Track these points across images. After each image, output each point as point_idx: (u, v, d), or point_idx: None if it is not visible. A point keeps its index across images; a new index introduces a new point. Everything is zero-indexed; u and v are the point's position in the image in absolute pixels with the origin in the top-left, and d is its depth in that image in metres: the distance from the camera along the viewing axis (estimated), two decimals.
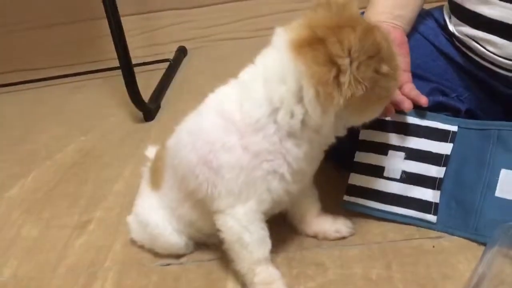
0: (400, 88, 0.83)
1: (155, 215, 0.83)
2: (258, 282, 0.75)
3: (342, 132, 0.74)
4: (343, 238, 0.84)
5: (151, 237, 0.85)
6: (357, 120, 0.73)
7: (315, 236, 0.86)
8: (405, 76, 0.85)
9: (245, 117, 0.70)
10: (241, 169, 0.71)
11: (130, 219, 0.88)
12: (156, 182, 0.84)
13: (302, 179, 0.76)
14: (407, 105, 0.79)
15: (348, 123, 0.73)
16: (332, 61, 0.63)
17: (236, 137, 0.71)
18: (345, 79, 0.64)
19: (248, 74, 0.73)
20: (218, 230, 0.76)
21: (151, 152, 0.92)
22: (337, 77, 0.64)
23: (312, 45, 0.65)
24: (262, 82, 0.70)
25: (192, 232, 0.84)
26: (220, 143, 0.71)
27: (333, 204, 0.88)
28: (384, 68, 0.66)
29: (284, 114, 0.68)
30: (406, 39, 0.88)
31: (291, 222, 0.87)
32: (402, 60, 0.84)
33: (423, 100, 0.80)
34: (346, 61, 0.63)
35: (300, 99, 0.67)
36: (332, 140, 0.74)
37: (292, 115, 0.68)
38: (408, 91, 0.82)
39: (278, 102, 0.68)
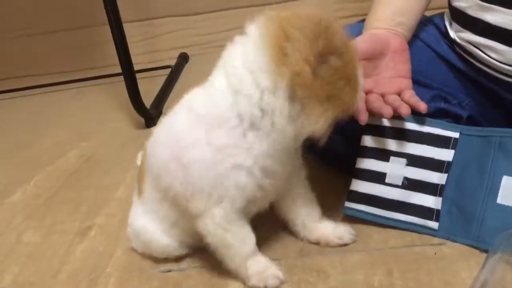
0: (400, 94, 0.83)
1: (143, 221, 0.84)
2: (252, 274, 0.77)
3: (300, 138, 0.73)
4: (345, 245, 0.84)
5: (145, 243, 0.86)
6: (309, 123, 0.69)
7: (317, 243, 0.86)
8: (405, 83, 0.85)
9: (210, 112, 0.72)
10: (207, 165, 0.71)
11: (128, 229, 0.89)
12: (140, 187, 0.86)
13: (274, 178, 0.75)
14: (404, 110, 0.79)
15: (304, 128, 0.70)
16: (285, 37, 0.65)
17: (202, 133, 0.71)
18: (291, 52, 0.64)
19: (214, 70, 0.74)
20: (202, 235, 0.77)
21: (140, 159, 0.92)
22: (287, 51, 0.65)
23: (268, 27, 0.67)
24: (223, 73, 0.71)
25: (179, 234, 0.84)
26: (189, 139, 0.72)
27: (336, 210, 0.89)
28: (332, 60, 0.65)
29: (244, 99, 0.69)
30: (407, 46, 0.88)
31: (293, 229, 0.87)
32: (402, 67, 0.85)
33: (422, 107, 0.80)
34: (296, 33, 0.64)
35: (258, 83, 0.68)
36: (292, 142, 0.73)
37: (250, 99, 0.68)
38: (407, 98, 0.82)
39: (238, 85, 0.69)
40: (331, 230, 0.85)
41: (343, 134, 0.94)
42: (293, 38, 0.64)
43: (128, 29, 1.56)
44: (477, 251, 0.78)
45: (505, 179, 0.78)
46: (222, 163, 0.71)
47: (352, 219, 0.88)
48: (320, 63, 0.65)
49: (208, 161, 0.71)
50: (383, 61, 0.85)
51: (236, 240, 0.77)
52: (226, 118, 0.70)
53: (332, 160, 1.03)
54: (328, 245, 0.85)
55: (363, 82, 0.75)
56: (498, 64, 0.84)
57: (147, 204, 0.84)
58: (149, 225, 0.84)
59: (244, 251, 0.77)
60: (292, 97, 0.67)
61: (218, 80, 0.72)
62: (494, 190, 0.78)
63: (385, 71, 0.85)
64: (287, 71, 0.64)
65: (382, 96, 0.84)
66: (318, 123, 0.68)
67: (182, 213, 0.79)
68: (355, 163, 0.89)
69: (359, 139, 0.89)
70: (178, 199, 0.76)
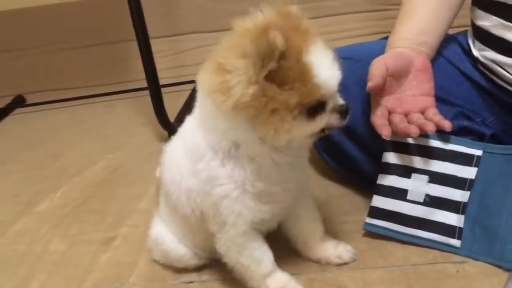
0: (423, 112, 0.83)
1: (161, 232, 0.87)
2: None
3: (269, 151, 0.70)
4: (345, 263, 0.84)
5: (163, 253, 0.88)
6: (266, 135, 0.67)
7: (318, 262, 0.86)
8: (429, 101, 0.85)
9: (191, 144, 0.74)
10: (201, 194, 0.73)
11: (148, 240, 0.91)
12: (156, 201, 0.88)
13: (274, 199, 0.75)
14: (430, 127, 0.79)
15: (277, 142, 0.69)
16: (221, 68, 0.64)
17: (189, 164, 0.74)
18: (233, 80, 0.63)
19: None
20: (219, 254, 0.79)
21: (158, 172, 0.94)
22: (227, 81, 0.64)
23: (208, 62, 0.67)
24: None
25: (190, 246, 0.86)
26: (183, 168, 0.75)
27: (357, 226, 0.89)
28: (271, 65, 0.62)
29: (212, 133, 0.70)
30: (430, 64, 0.88)
31: (294, 246, 0.86)
32: (425, 86, 0.85)
33: (447, 125, 0.80)
34: (236, 62, 0.63)
35: (216, 126, 0.69)
36: (275, 159, 0.71)
37: (216, 134, 0.70)
38: (431, 116, 0.82)
39: (204, 124, 0.71)
40: (332, 250, 0.85)
41: (367, 152, 0.95)
42: (232, 69, 0.63)
43: (156, 44, 1.59)
44: (499, 270, 0.77)
45: None
46: (213, 193, 0.72)
47: (373, 235, 0.88)
48: (266, 80, 0.63)
49: (201, 191, 0.73)
50: (407, 79, 0.86)
51: (252, 261, 0.77)
52: (202, 150, 0.72)
53: (354, 176, 1.03)
54: (328, 264, 0.85)
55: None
56: None
57: (162, 216, 0.87)
58: (167, 236, 0.86)
59: (261, 270, 0.77)
60: (250, 121, 0.66)
61: (195, 113, 0.75)
62: None
63: (408, 89, 0.86)
64: (230, 103, 0.64)
65: (406, 114, 0.84)
66: (282, 133, 0.66)
67: (190, 228, 0.81)
68: (376, 179, 0.89)
69: (380, 156, 0.89)
70: (187, 217, 0.78)
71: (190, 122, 0.77)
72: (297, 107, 0.64)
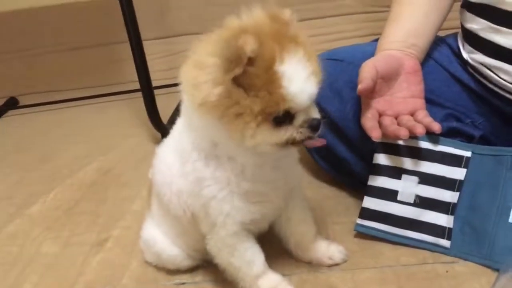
0: (413, 114, 0.84)
1: (153, 233, 0.87)
2: None
3: (262, 153, 0.69)
4: (336, 264, 0.85)
5: (156, 255, 0.88)
6: (232, 137, 0.66)
7: (309, 262, 0.86)
8: (419, 103, 0.86)
9: (179, 146, 0.75)
10: (191, 195, 0.74)
11: (140, 242, 0.91)
12: (148, 202, 0.88)
13: (263, 200, 0.75)
14: (420, 129, 0.80)
15: (252, 143, 0.67)
16: (195, 64, 0.64)
17: (178, 166, 0.74)
18: (203, 77, 0.63)
19: None
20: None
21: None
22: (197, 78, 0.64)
23: (188, 59, 0.67)
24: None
25: (182, 247, 0.86)
26: (173, 169, 0.75)
27: (348, 227, 0.90)
28: (236, 70, 0.61)
29: (195, 133, 0.71)
30: (419, 66, 0.89)
31: (286, 246, 0.86)
32: (415, 88, 0.86)
33: (436, 127, 0.81)
34: (208, 60, 0.62)
35: (191, 123, 0.71)
36: (256, 160, 0.71)
37: (198, 134, 0.71)
38: (421, 118, 0.83)
39: (188, 124, 0.72)
40: (323, 251, 0.85)
41: (358, 154, 0.96)
42: (203, 66, 0.63)
43: (149, 46, 1.60)
44: (488, 270, 0.78)
45: None
46: (201, 195, 0.72)
47: (364, 236, 0.89)
48: (233, 83, 0.62)
49: (191, 192, 0.74)
50: (397, 81, 0.87)
51: (243, 262, 0.77)
52: (188, 151, 0.72)
53: (346, 178, 1.04)
54: (320, 265, 0.85)
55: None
56: (509, 85, 0.84)
57: (154, 218, 0.87)
58: (159, 237, 0.86)
59: (252, 271, 0.78)
60: (219, 122, 0.65)
61: (181, 115, 0.75)
62: (506, 209, 0.79)
63: (398, 92, 0.87)
64: (197, 100, 0.64)
65: (396, 116, 0.85)
66: (247, 138, 0.65)
67: (182, 230, 0.82)
68: (367, 181, 0.90)
69: (371, 157, 0.90)
70: (180, 218, 0.78)
71: (179, 123, 0.78)
72: (261, 114, 0.63)
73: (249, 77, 0.62)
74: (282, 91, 0.62)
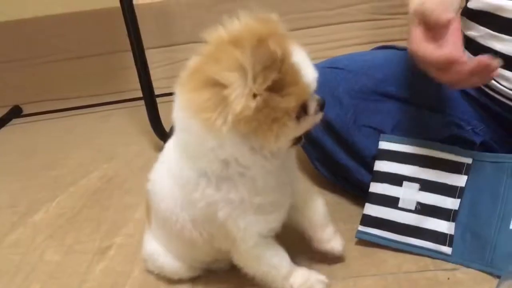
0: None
1: (155, 246, 0.87)
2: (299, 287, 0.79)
3: (268, 156, 0.69)
4: (332, 254, 0.85)
5: (159, 267, 0.88)
6: (267, 144, 0.66)
7: (309, 240, 0.84)
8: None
9: (180, 175, 0.72)
10: (204, 220, 0.73)
11: (143, 252, 0.91)
12: (148, 218, 0.88)
13: (277, 208, 0.75)
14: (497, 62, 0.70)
15: (269, 148, 0.68)
16: (212, 83, 0.62)
17: (183, 195, 0.73)
18: (231, 94, 0.61)
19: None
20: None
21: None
22: (221, 96, 0.62)
23: (191, 78, 0.65)
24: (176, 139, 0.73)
25: (190, 262, 0.86)
26: (177, 199, 0.74)
27: (350, 234, 0.90)
28: (273, 76, 0.61)
29: (200, 160, 0.68)
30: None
31: (299, 229, 0.84)
32: (459, 46, 0.75)
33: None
34: (232, 76, 0.61)
35: (204, 146, 0.67)
36: (270, 166, 0.70)
37: (205, 159, 0.67)
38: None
39: (190, 152, 0.69)
40: (326, 236, 0.83)
41: (359, 161, 0.96)
42: (225, 84, 0.61)
43: (152, 55, 1.61)
44: (490, 277, 0.78)
45: None
46: (215, 218, 0.72)
47: (366, 243, 0.89)
48: (266, 91, 0.62)
49: (204, 218, 0.73)
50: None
51: (270, 267, 0.77)
52: (194, 180, 0.70)
53: (347, 185, 1.04)
54: (317, 247, 0.84)
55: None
56: (508, 91, 0.85)
57: (157, 238, 0.87)
58: (162, 251, 0.86)
59: (281, 273, 0.78)
60: (243, 135, 0.64)
61: (174, 141, 0.73)
62: (507, 216, 0.79)
63: (445, 46, 0.75)
64: (229, 119, 0.62)
65: None
66: (278, 140, 0.66)
67: (192, 248, 0.81)
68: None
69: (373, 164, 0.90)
70: (195, 239, 0.77)
71: (172, 152, 0.75)
72: (294, 110, 0.65)
73: (281, 78, 0.62)
74: (303, 79, 0.65)
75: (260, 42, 0.61)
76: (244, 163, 0.68)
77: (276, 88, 0.62)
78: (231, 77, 0.61)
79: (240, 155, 0.67)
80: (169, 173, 0.76)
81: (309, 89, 0.66)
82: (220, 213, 0.71)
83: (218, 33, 0.66)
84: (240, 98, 0.61)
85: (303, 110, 0.67)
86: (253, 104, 0.61)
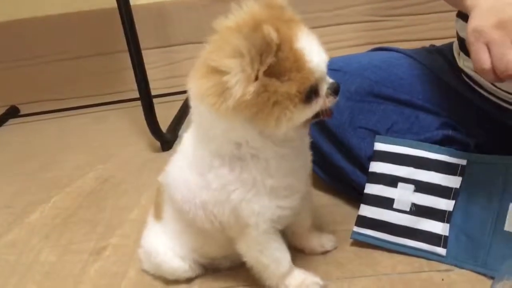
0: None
1: (156, 244, 0.87)
2: None
3: (275, 138, 0.70)
4: (327, 251, 0.89)
5: (156, 265, 0.88)
6: (267, 128, 0.68)
7: (302, 250, 0.89)
8: None
9: (195, 158, 0.74)
10: (217, 204, 0.74)
11: (139, 251, 0.91)
12: (158, 214, 0.88)
13: (292, 192, 0.75)
14: None
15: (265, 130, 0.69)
16: (214, 71, 0.64)
17: (197, 178, 0.74)
18: (231, 80, 0.62)
19: None
20: (239, 254, 0.80)
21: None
22: (223, 83, 0.63)
23: (197, 68, 0.67)
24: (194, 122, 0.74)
25: (197, 258, 0.86)
26: (192, 183, 0.75)
27: (345, 234, 0.91)
28: (269, 60, 0.62)
29: (214, 141, 0.71)
30: None
31: (282, 232, 0.85)
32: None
33: None
34: (231, 62, 0.62)
35: (215, 128, 0.70)
36: (279, 148, 0.71)
37: (219, 139, 0.70)
38: None
39: (204, 134, 0.72)
40: (316, 240, 0.89)
41: (355, 162, 0.96)
42: (226, 70, 0.63)
43: (149, 55, 1.61)
44: (484, 278, 0.78)
45: None
46: (229, 201, 0.73)
47: (361, 244, 0.89)
48: (265, 75, 0.63)
49: (216, 201, 0.74)
50: None
51: (271, 260, 0.78)
52: (208, 160, 0.72)
53: (342, 186, 1.04)
54: (311, 253, 0.89)
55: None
56: (503, 93, 0.85)
57: (165, 230, 0.86)
58: (162, 248, 0.86)
59: (279, 270, 0.79)
60: (248, 118, 0.66)
61: (191, 127, 0.76)
62: (501, 217, 0.79)
63: None
64: (230, 104, 0.63)
65: None
66: (280, 124, 0.67)
67: (205, 240, 0.82)
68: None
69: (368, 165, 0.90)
70: (209, 229, 0.78)
71: (189, 139, 0.78)
72: (297, 95, 0.65)
73: (279, 63, 0.63)
74: (308, 65, 0.65)
75: (255, 27, 0.62)
76: (255, 145, 0.70)
77: (275, 72, 0.63)
78: (231, 63, 0.62)
79: (250, 138, 0.69)
80: (185, 158, 0.78)
81: (316, 74, 0.66)
82: (233, 195, 0.72)
83: (224, 22, 0.67)
84: (240, 84, 0.62)
85: (314, 93, 0.68)
86: (251, 88, 0.62)
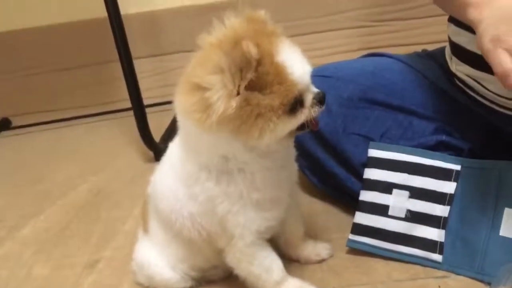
0: None
1: (148, 256, 0.86)
2: None
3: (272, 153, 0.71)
4: (323, 260, 0.88)
5: (149, 277, 0.87)
6: (251, 140, 0.67)
7: (297, 260, 0.88)
8: None
9: (182, 169, 0.75)
10: (204, 215, 0.74)
11: (132, 264, 0.90)
12: (144, 226, 0.88)
13: (277, 204, 0.76)
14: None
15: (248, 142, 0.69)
16: (197, 87, 0.65)
17: (184, 189, 0.74)
18: (213, 96, 0.63)
19: None
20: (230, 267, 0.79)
21: None
22: (206, 99, 0.64)
23: (181, 84, 0.68)
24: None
25: (186, 270, 0.85)
26: (178, 194, 0.75)
27: (340, 242, 0.90)
28: (250, 75, 0.63)
29: (202, 154, 0.71)
30: None
31: (276, 243, 0.86)
32: None
33: None
34: (212, 78, 0.63)
35: (200, 145, 0.71)
36: (264, 160, 0.71)
37: (206, 153, 0.71)
38: None
39: (192, 148, 0.73)
40: (311, 249, 0.88)
41: (349, 169, 0.96)
42: (208, 87, 0.64)
43: (140, 64, 1.60)
44: (481, 284, 0.78)
45: (507, 212, 0.78)
46: (215, 213, 0.73)
47: (357, 251, 0.89)
48: (247, 90, 0.64)
49: (204, 213, 0.74)
50: None
51: (262, 269, 0.78)
52: (195, 173, 0.72)
53: (337, 193, 1.04)
54: (307, 262, 0.88)
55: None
56: (495, 96, 0.85)
57: (153, 242, 0.86)
58: (153, 260, 0.85)
59: (272, 278, 0.79)
60: (232, 132, 0.66)
61: (177, 138, 0.76)
62: (496, 222, 0.79)
63: None
64: (214, 119, 0.64)
65: None
66: (264, 136, 0.67)
67: (191, 251, 0.82)
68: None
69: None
70: (195, 240, 0.78)
71: (175, 149, 0.78)
72: (280, 107, 0.66)
73: (260, 77, 0.64)
74: (290, 77, 0.66)
75: (235, 43, 0.63)
76: (241, 159, 0.71)
77: (256, 86, 0.64)
78: (212, 80, 0.64)
79: (236, 151, 0.70)
80: (171, 169, 0.78)
81: (299, 86, 0.67)
82: (219, 208, 0.72)
83: (207, 37, 0.68)
84: (222, 99, 0.63)
85: (298, 104, 0.68)
86: (233, 103, 0.63)
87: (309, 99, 0.69)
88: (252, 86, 0.64)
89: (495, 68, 0.67)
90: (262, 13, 0.71)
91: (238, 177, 0.72)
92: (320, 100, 0.70)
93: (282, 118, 0.66)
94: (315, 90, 0.71)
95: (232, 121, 0.65)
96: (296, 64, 0.67)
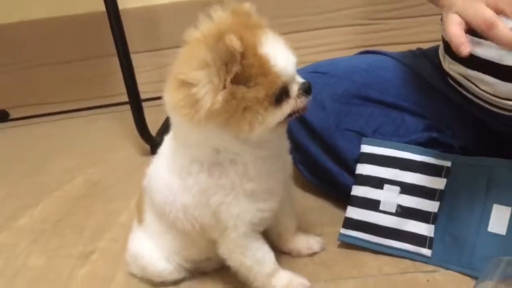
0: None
1: (142, 247, 0.87)
2: None
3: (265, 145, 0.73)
4: (315, 253, 0.89)
5: (142, 268, 0.88)
6: (242, 133, 0.68)
7: (289, 253, 0.90)
8: None
9: (176, 162, 0.76)
10: (198, 206, 0.75)
11: (126, 255, 0.91)
12: (139, 216, 0.89)
13: (271, 195, 0.77)
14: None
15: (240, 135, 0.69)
16: (183, 83, 0.65)
17: (178, 181, 0.76)
18: (199, 92, 0.64)
19: None
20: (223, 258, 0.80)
21: None
22: (192, 94, 0.65)
23: (169, 80, 0.69)
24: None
25: (181, 262, 0.87)
26: (172, 186, 0.76)
27: (332, 236, 0.91)
28: (235, 69, 0.64)
29: (193, 147, 0.73)
30: None
31: (268, 236, 0.87)
32: None
33: None
34: (198, 74, 0.64)
35: (190, 139, 0.72)
36: (257, 150, 0.72)
37: (197, 147, 0.72)
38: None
39: (183, 141, 0.74)
40: (303, 242, 0.89)
41: (342, 164, 0.97)
42: (194, 83, 0.64)
43: (138, 59, 1.61)
44: (469, 278, 0.79)
45: (496, 208, 0.80)
46: (209, 204, 0.74)
47: (348, 245, 0.90)
48: (232, 84, 0.65)
49: (197, 205, 0.75)
50: None
51: (254, 261, 0.79)
52: (188, 166, 0.74)
53: (330, 188, 1.05)
54: (299, 255, 0.89)
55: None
56: (489, 96, 0.86)
57: (147, 232, 0.87)
58: (147, 251, 0.86)
59: (264, 270, 0.80)
60: (222, 125, 0.67)
61: (171, 133, 0.77)
62: (485, 218, 0.80)
63: None
64: (202, 114, 0.65)
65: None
66: (253, 128, 0.68)
67: (185, 243, 0.83)
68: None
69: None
70: (189, 232, 0.79)
71: (169, 143, 0.79)
72: (266, 99, 0.66)
73: (244, 70, 0.64)
74: (274, 69, 0.66)
75: (219, 37, 0.64)
76: (233, 150, 0.72)
77: (241, 80, 0.65)
78: (198, 75, 0.64)
79: (227, 143, 0.71)
80: (166, 162, 0.79)
81: (283, 77, 0.67)
82: (213, 199, 0.73)
83: (193, 33, 0.69)
84: (208, 94, 0.64)
85: (284, 94, 0.69)
86: (220, 97, 0.64)
87: (294, 89, 0.70)
88: (237, 80, 0.65)
89: (445, 30, 0.69)
90: (247, 6, 0.71)
91: (230, 169, 0.73)
92: (306, 90, 0.71)
93: (269, 109, 0.67)
94: (301, 80, 0.71)
95: (220, 115, 0.66)
96: (280, 55, 0.67)
